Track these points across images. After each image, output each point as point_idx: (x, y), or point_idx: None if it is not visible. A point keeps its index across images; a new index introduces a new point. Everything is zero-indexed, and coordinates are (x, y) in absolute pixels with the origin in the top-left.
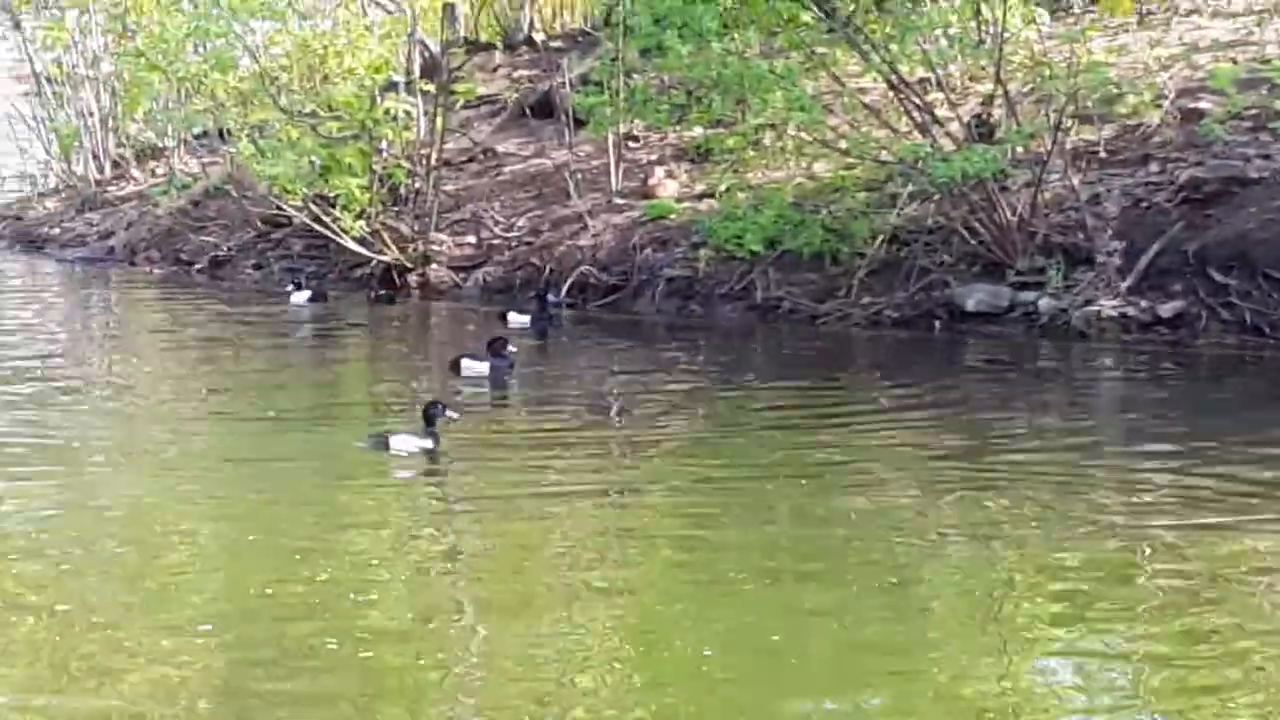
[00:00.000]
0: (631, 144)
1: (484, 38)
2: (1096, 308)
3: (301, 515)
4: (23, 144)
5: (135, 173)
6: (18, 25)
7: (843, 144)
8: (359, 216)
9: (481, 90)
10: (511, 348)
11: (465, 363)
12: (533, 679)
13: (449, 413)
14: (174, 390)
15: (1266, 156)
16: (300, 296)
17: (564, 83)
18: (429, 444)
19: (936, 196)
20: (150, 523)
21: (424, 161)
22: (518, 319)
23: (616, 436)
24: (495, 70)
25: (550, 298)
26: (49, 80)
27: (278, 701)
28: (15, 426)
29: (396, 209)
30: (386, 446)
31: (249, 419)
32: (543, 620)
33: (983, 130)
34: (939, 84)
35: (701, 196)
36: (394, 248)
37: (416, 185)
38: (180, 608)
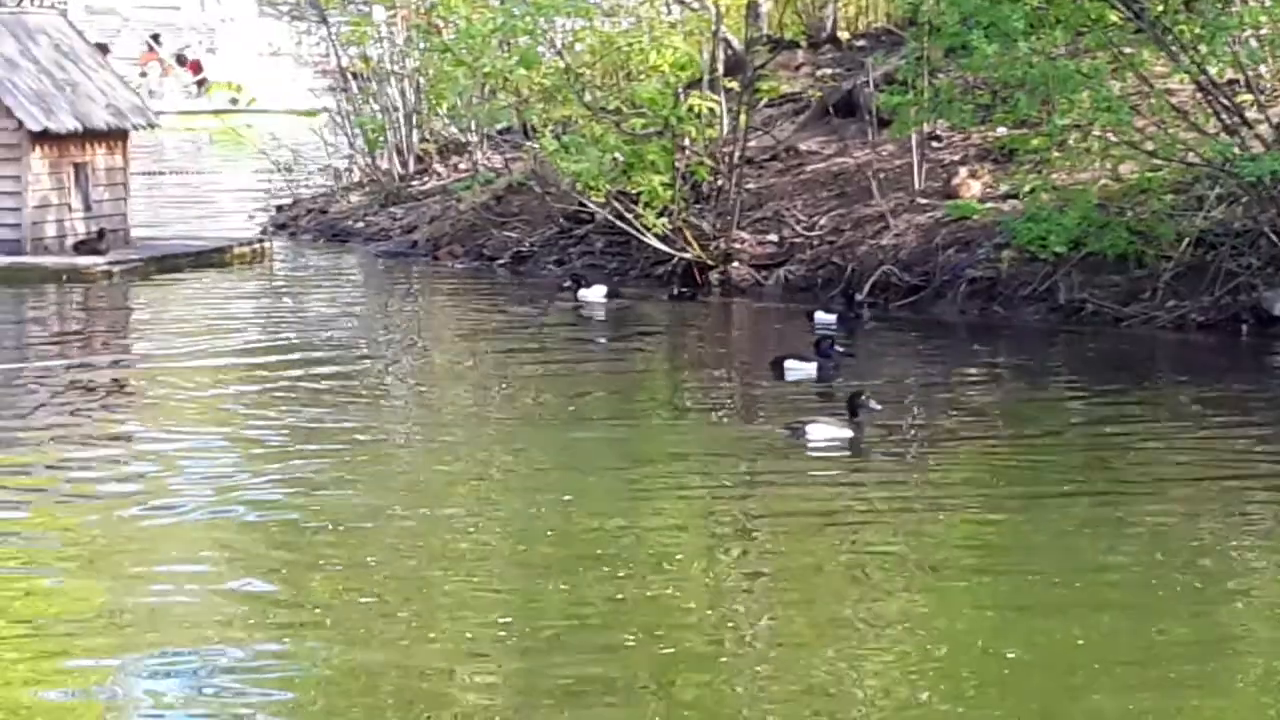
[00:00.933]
0: (934, 144)
1: (787, 35)
2: None
3: (600, 515)
4: (328, 138)
5: (438, 168)
6: (324, 20)
7: (1149, 145)
8: (661, 214)
9: (784, 88)
10: (838, 347)
11: (790, 363)
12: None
13: (872, 403)
14: (475, 384)
15: None
16: (595, 294)
17: (867, 82)
18: (848, 434)
19: (1244, 199)
20: (449, 517)
21: (727, 159)
22: (824, 318)
23: (922, 444)
24: (798, 68)
25: (857, 297)
26: (354, 75)
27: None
28: (320, 416)
29: (698, 206)
30: (804, 435)
31: (549, 414)
32: (841, 645)
33: None
34: (1248, 85)
35: (1005, 197)
36: (696, 245)
37: (719, 183)
38: (478, 607)
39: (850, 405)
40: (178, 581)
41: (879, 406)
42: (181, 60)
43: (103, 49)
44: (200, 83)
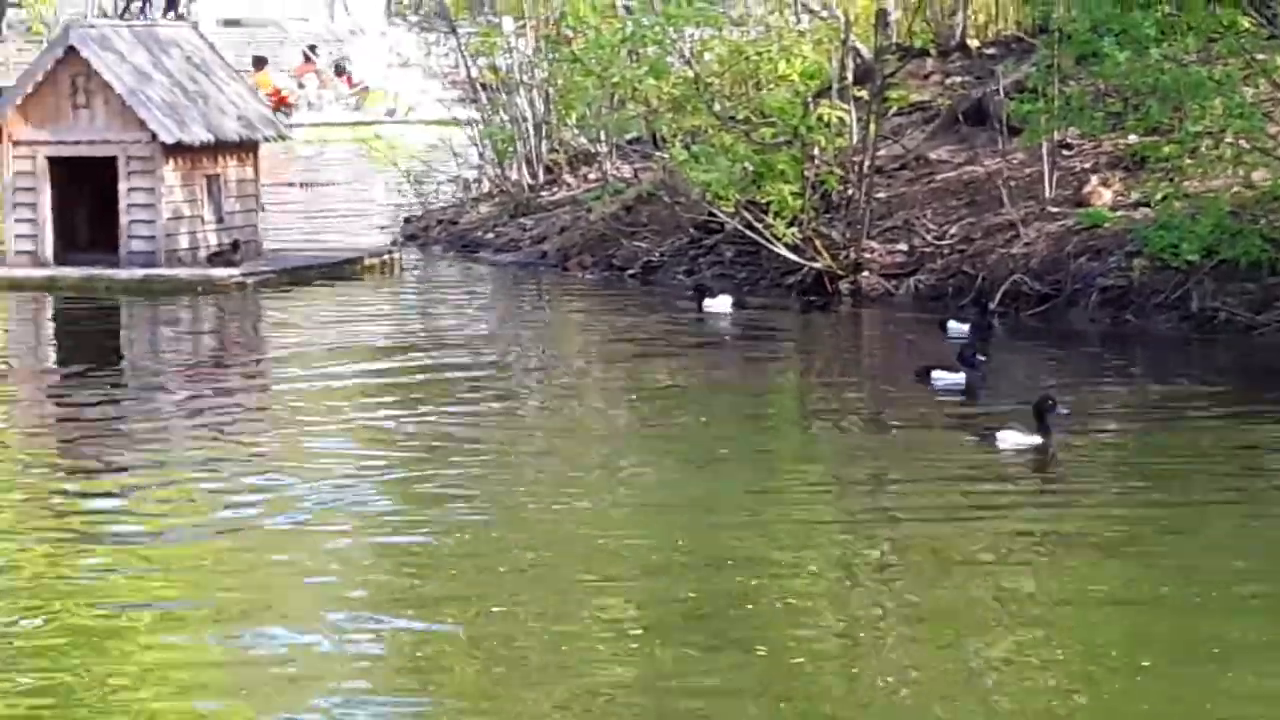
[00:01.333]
0: (1065, 151)
1: (917, 44)
2: None
3: (733, 531)
4: (457, 149)
5: (568, 178)
6: (453, 31)
7: None
8: (791, 223)
9: (914, 97)
10: (981, 356)
11: (937, 373)
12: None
13: (1060, 408)
14: (605, 397)
15: None
16: (721, 304)
17: (997, 90)
18: (1037, 440)
19: None
20: (579, 527)
21: (856, 168)
22: (957, 327)
23: (1058, 462)
24: (928, 77)
25: (989, 306)
26: (483, 86)
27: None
28: (452, 434)
29: (828, 216)
30: (994, 442)
31: (680, 427)
32: (973, 685)
33: None
34: None
35: (1136, 205)
36: (826, 255)
37: (849, 192)
38: (609, 613)
39: (1037, 410)
40: (307, 620)
41: (1067, 411)
42: (340, 71)
43: (260, 61)
44: (360, 94)
